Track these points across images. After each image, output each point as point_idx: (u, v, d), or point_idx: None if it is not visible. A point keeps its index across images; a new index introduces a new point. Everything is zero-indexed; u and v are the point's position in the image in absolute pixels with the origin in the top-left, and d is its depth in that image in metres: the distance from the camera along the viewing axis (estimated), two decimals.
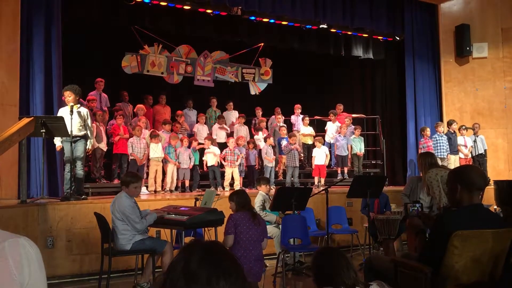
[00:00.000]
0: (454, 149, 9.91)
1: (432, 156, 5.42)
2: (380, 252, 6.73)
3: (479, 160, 9.92)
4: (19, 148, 6.01)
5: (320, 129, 11.26)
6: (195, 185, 8.88)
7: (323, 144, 9.92)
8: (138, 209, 4.74)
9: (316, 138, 10.08)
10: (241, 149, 9.29)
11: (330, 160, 10.65)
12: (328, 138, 10.57)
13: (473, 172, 2.82)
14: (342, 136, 10.14)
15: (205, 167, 9.04)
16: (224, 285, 1.03)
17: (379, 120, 11.36)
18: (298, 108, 10.98)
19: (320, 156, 9.61)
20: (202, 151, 9.21)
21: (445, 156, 9.68)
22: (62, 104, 6.50)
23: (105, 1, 8.55)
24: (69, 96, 6.15)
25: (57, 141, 6.43)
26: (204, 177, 9.29)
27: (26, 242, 1.17)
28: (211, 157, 8.92)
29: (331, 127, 10.65)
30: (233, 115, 10.59)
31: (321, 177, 9.56)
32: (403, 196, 5.77)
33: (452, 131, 10.02)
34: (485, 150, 10.13)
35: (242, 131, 10.15)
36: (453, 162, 9.68)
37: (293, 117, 11.06)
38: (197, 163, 8.93)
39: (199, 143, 9.32)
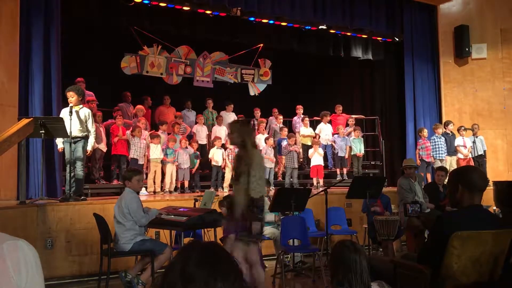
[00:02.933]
0: (450, 150, 9.90)
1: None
2: (379, 253, 6.73)
3: (479, 161, 9.90)
4: (18, 149, 6.00)
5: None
6: (194, 185, 8.87)
7: (319, 146, 9.91)
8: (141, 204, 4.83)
9: (314, 140, 10.06)
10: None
11: (327, 161, 10.65)
12: (324, 140, 10.53)
13: (475, 173, 2.81)
14: (341, 137, 10.15)
15: (213, 162, 8.98)
16: (222, 286, 1.03)
17: (378, 121, 11.36)
18: (300, 109, 10.97)
19: (317, 157, 9.61)
20: (202, 154, 9.25)
21: (443, 158, 9.68)
22: (64, 104, 6.49)
23: (104, 2, 8.54)
24: (72, 96, 6.15)
25: (59, 142, 6.44)
26: (203, 178, 9.29)
27: (25, 244, 1.17)
28: (220, 157, 8.94)
29: (326, 128, 10.64)
30: (230, 117, 10.58)
31: (319, 177, 9.56)
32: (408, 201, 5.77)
33: (449, 132, 10.01)
34: (484, 151, 10.11)
35: None
36: (450, 163, 9.67)
37: (295, 118, 11.05)
38: (193, 166, 8.90)
39: (200, 144, 9.36)
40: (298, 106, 10.99)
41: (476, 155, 9.92)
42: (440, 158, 9.63)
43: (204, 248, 1.12)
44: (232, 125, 4.44)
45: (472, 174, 2.79)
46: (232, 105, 10.69)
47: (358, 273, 2.34)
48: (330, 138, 10.52)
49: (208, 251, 1.10)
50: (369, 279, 2.38)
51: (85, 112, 6.34)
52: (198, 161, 9.03)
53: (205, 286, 1.02)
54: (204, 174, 9.39)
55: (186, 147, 8.80)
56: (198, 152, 9.14)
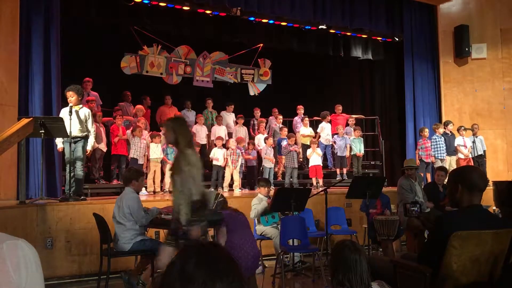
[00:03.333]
0: (450, 150, 9.89)
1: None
2: (379, 252, 6.73)
3: (479, 161, 9.90)
4: (18, 149, 6.00)
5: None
6: None
7: (318, 146, 9.91)
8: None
9: (312, 140, 10.05)
10: (240, 149, 9.31)
11: (326, 161, 10.64)
12: (324, 139, 10.53)
13: (475, 173, 2.81)
14: (340, 136, 10.14)
15: (213, 161, 8.97)
16: (220, 287, 1.03)
17: (378, 121, 11.37)
18: (300, 109, 10.96)
19: (315, 157, 9.61)
20: (202, 153, 9.24)
21: (444, 157, 9.68)
22: (64, 104, 6.49)
23: (104, 2, 8.55)
24: (71, 96, 6.15)
25: (59, 142, 6.44)
26: (203, 178, 9.28)
27: (25, 244, 1.17)
28: (221, 157, 8.94)
29: (327, 128, 10.63)
30: (231, 117, 10.58)
31: (318, 177, 9.56)
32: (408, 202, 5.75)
33: (449, 132, 10.00)
34: (484, 151, 10.12)
35: (241, 132, 10.14)
36: (449, 163, 9.66)
37: (296, 118, 11.05)
38: None
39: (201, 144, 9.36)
40: (299, 106, 10.99)
41: (476, 155, 9.92)
42: (441, 157, 9.63)
43: (204, 248, 1.12)
44: (165, 123, 4.32)
45: (471, 174, 2.79)
46: (233, 105, 10.70)
47: (358, 273, 2.34)
48: (331, 138, 10.51)
49: (208, 252, 1.10)
50: (369, 279, 2.38)
51: (85, 112, 6.33)
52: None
53: (204, 287, 1.02)
54: (204, 173, 9.37)
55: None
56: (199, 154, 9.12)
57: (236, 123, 10.36)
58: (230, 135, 10.16)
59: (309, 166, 9.70)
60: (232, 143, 9.07)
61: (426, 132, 9.79)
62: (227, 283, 1.04)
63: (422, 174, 9.12)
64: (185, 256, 1.09)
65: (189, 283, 1.03)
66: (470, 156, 9.98)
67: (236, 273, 1.07)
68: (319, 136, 10.48)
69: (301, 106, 10.99)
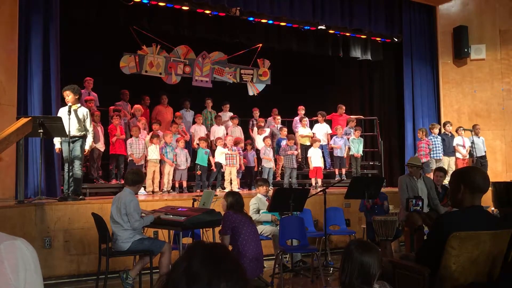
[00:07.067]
0: (448, 150, 9.89)
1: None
2: None
3: (481, 161, 9.85)
4: (16, 148, 6.00)
5: None
6: (201, 185, 8.83)
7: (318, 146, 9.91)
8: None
9: (313, 139, 10.06)
10: (237, 149, 9.30)
11: (324, 161, 10.65)
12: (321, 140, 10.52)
13: (478, 174, 2.81)
14: (339, 137, 10.14)
15: (213, 166, 8.98)
16: (225, 286, 1.04)
17: (377, 121, 11.37)
18: (301, 109, 10.94)
19: (317, 157, 9.61)
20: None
21: (440, 158, 9.67)
22: (63, 104, 6.48)
23: (103, 1, 8.54)
24: (68, 96, 6.14)
25: (57, 143, 6.42)
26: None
27: (23, 244, 1.16)
28: (221, 157, 8.94)
29: (320, 128, 10.61)
30: (228, 116, 10.57)
31: (318, 178, 9.56)
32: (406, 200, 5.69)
33: (448, 133, 10.00)
34: (485, 152, 10.10)
35: (236, 132, 10.10)
36: (447, 163, 9.67)
37: (296, 119, 11.04)
38: (205, 165, 8.91)
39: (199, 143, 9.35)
40: (299, 107, 10.96)
41: (477, 155, 9.85)
42: (437, 158, 9.63)
43: (208, 248, 1.13)
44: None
45: (475, 175, 2.79)
46: (228, 105, 10.68)
47: (366, 272, 2.33)
48: (325, 138, 10.50)
49: (212, 252, 1.11)
50: (374, 279, 2.38)
51: (83, 111, 6.33)
52: (209, 157, 8.98)
53: (209, 286, 1.03)
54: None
55: (184, 148, 8.80)
56: (209, 150, 9.10)
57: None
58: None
59: (312, 167, 9.64)
60: (229, 141, 9.08)
61: (425, 132, 9.78)
62: (231, 284, 1.04)
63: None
64: (190, 255, 1.10)
65: (194, 282, 1.04)
66: (468, 156, 9.97)
67: (241, 274, 1.08)
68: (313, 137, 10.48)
69: (301, 106, 10.98)
